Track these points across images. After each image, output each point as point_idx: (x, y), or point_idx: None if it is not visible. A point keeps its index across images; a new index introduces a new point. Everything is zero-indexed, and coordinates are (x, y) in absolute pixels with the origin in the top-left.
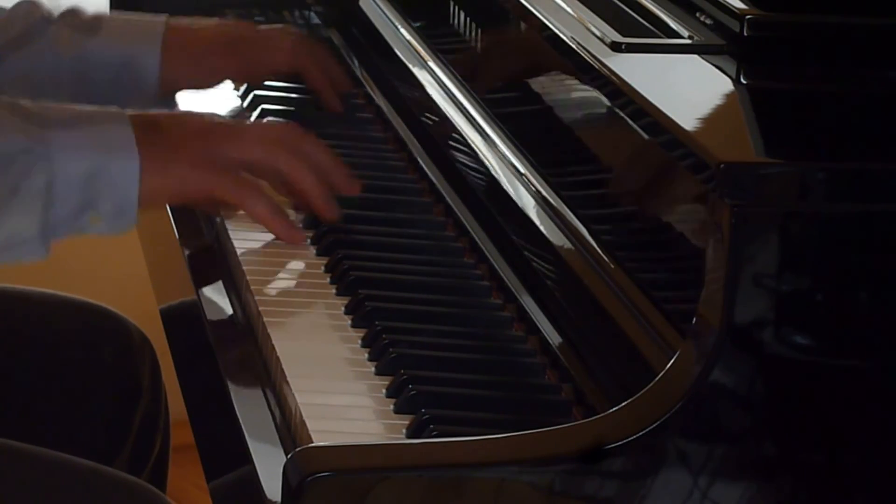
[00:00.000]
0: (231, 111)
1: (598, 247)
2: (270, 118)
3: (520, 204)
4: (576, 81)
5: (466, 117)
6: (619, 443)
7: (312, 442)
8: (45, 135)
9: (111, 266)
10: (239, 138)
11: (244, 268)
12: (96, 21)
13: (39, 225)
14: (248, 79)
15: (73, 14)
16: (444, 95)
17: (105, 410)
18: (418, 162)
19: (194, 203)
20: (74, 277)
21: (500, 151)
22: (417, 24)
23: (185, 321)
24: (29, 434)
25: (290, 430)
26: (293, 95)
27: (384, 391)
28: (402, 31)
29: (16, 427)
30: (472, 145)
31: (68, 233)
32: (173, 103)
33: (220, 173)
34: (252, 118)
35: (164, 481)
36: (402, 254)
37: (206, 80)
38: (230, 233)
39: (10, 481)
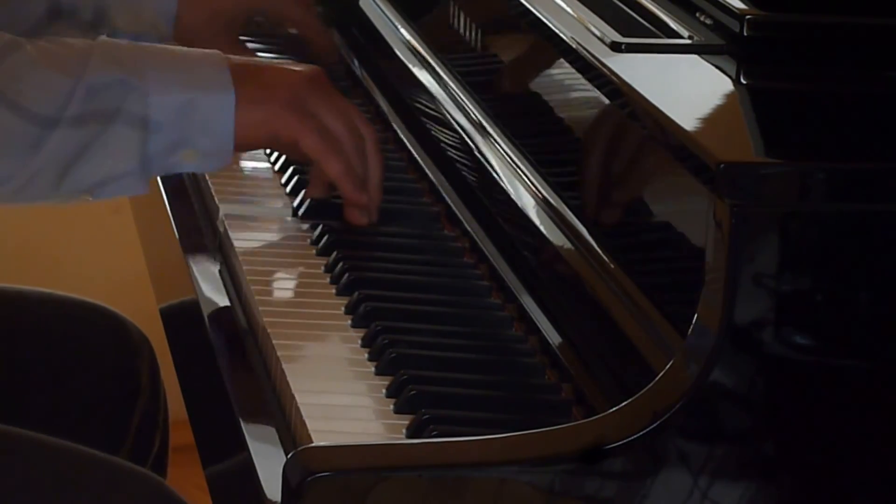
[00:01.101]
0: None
1: (598, 247)
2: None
3: (520, 204)
4: (576, 81)
5: (466, 117)
6: (619, 443)
7: (312, 442)
8: (140, 69)
9: (111, 266)
10: (329, 100)
11: (244, 268)
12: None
13: (138, 158)
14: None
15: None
16: (444, 95)
17: (104, 409)
18: (418, 162)
19: (281, 147)
20: (74, 277)
21: (500, 151)
22: (417, 24)
23: (185, 321)
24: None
25: (290, 430)
26: None
27: (384, 391)
28: (402, 31)
29: (15, 425)
30: (472, 145)
31: (165, 168)
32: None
33: (309, 121)
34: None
35: (164, 479)
36: (402, 254)
37: (217, 36)
38: (230, 233)
39: (15, 467)
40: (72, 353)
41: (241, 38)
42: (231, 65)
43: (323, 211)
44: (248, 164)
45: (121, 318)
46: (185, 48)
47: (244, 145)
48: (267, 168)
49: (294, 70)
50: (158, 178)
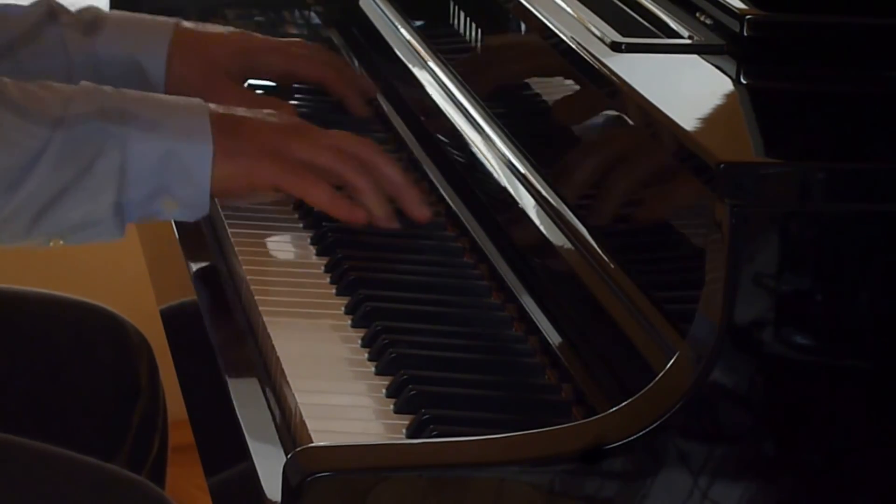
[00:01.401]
0: None
1: (598, 247)
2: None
3: (520, 204)
4: (576, 81)
5: (466, 117)
6: (619, 443)
7: (312, 442)
8: (121, 116)
9: (111, 266)
10: (312, 141)
11: (244, 268)
12: (106, 20)
13: (114, 206)
14: (256, 78)
15: (85, 12)
16: (444, 95)
17: (103, 410)
18: (418, 162)
19: (265, 192)
20: (74, 277)
21: (500, 151)
22: (417, 24)
23: (185, 321)
24: (27, 434)
25: (290, 429)
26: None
27: (384, 391)
28: (402, 31)
29: (14, 427)
30: (472, 145)
31: (142, 216)
32: None
33: (284, 165)
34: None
35: (163, 481)
36: (402, 254)
37: (212, 83)
38: (230, 233)
39: (10, 476)
40: (71, 354)
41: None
42: (211, 114)
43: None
44: None
45: (120, 320)
46: (167, 96)
47: (222, 194)
48: None
49: (274, 122)
50: None
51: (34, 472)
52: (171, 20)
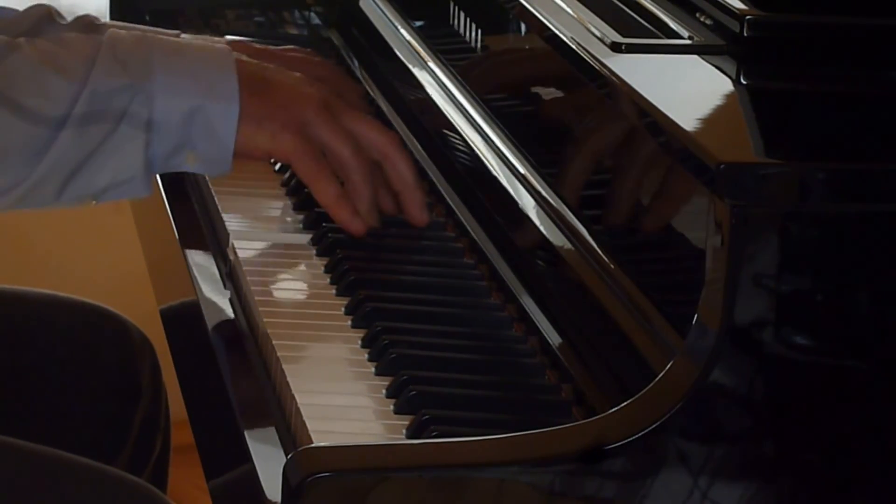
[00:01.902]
0: None
1: (598, 247)
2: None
3: (520, 204)
4: (576, 82)
5: (466, 117)
6: (619, 443)
7: (312, 442)
8: (146, 72)
9: (111, 266)
10: (337, 123)
11: (244, 268)
12: (105, 28)
13: (141, 162)
14: None
15: (83, 19)
16: (444, 95)
17: (105, 411)
18: (418, 162)
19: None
20: (74, 278)
21: (500, 151)
22: (417, 24)
23: (185, 321)
24: (29, 434)
25: (290, 430)
26: None
27: (384, 391)
28: (402, 31)
29: (16, 427)
30: (472, 145)
31: (166, 168)
32: None
33: (306, 145)
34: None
35: (165, 482)
36: (402, 254)
37: None
38: (230, 233)
39: (10, 479)
40: (73, 354)
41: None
42: (240, 71)
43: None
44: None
45: (122, 320)
46: (193, 41)
47: (244, 155)
48: (267, 168)
49: (304, 91)
50: (158, 177)
51: (34, 475)
52: (172, 32)
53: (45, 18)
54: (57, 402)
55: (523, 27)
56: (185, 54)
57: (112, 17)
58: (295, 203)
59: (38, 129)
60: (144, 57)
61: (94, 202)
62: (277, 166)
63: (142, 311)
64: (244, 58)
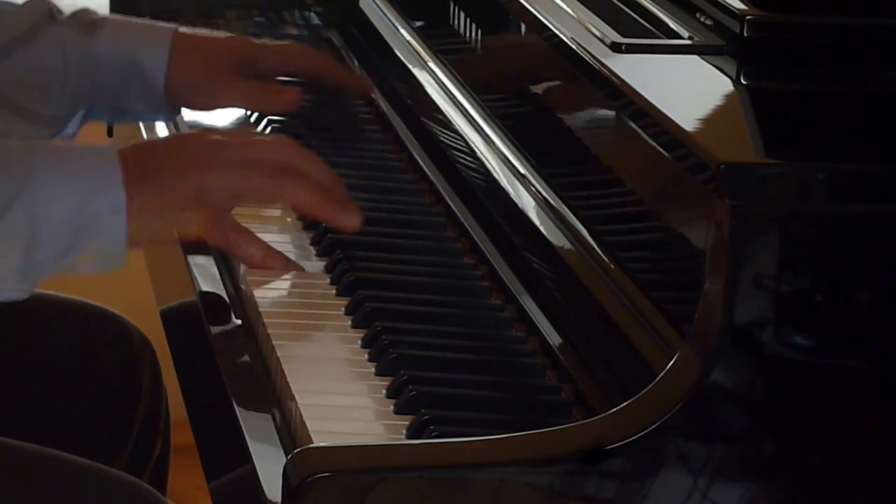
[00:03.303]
0: (236, 122)
1: (598, 247)
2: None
3: (520, 204)
4: (576, 82)
5: (466, 117)
6: (620, 443)
7: (312, 442)
8: (27, 173)
9: None
10: (237, 168)
11: (244, 268)
12: (105, 22)
13: (20, 265)
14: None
15: (82, 14)
16: (444, 95)
17: (105, 411)
18: (418, 162)
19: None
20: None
21: (500, 151)
22: (417, 24)
23: (185, 322)
24: (29, 435)
25: (290, 430)
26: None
27: (384, 392)
28: (402, 31)
29: (16, 428)
30: (472, 145)
31: (55, 271)
32: (177, 112)
33: (212, 216)
34: (256, 130)
35: (165, 482)
36: (402, 254)
37: (214, 79)
38: None
39: (9, 479)
40: (73, 355)
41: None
42: (125, 159)
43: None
44: None
45: (122, 320)
46: (79, 146)
47: (141, 247)
48: None
49: (187, 150)
50: None
51: (33, 476)
52: (171, 25)
53: (46, 16)
54: (57, 402)
55: (523, 27)
56: (67, 155)
57: None
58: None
59: None
60: (25, 159)
61: None
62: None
63: (142, 311)
64: (125, 149)
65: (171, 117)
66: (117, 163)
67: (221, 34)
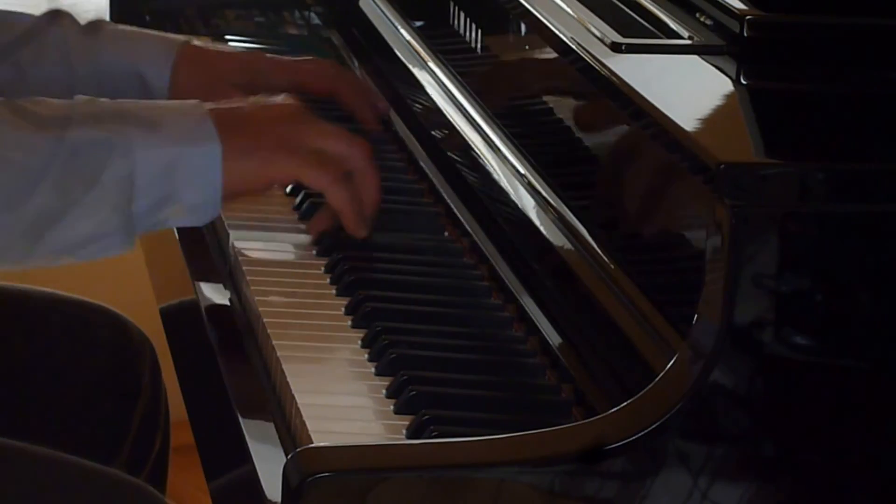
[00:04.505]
0: None
1: (598, 247)
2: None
3: (520, 204)
4: (576, 82)
5: (466, 117)
6: (619, 443)
7: (312, 442)
8: (122, 128)
9: (111, 266)
10: (318, 128)
11: (244, 268)
12: (110, 28)
13: (123, 217)
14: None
15: (94, 24)
16: (444, 95)
17: (104, 410)
18: (418, 162)
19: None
20: (74, 277)
21: (500, 152)
22: (417, 25)
23: (185, 321)
24: (28, 433)
25: (289, 430)
26: None
27: (384, 392)
28: (402, 31)
29: (15, 426)
30: (472, 145)
31: (152, 225)
32: None
33: (306, 157)
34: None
35: (164, 481)
36: (402, 254)
37: (217, 97)
38: (230, 233)
39: (7, 480)
40: (73, 353)
41: (235, 36)
42: (213, 115)
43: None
44: None
45: (122, 319)
46: (163, 102)
47: (236, 195)
48: None
49: (277, 106)
50: None
51: (30, 477)
52: (181, 37)
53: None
54: (56, 401)
55: (523, 27)
56: (157, 108)
57: (112, 18)
58: (295, 203)
59: (13, 180)
60: (118, 114)
61: (71, 258)
62: None
63: (142, 310)
64: (211, 104)
65: None
66: (207, 114)
67: (232, 49)
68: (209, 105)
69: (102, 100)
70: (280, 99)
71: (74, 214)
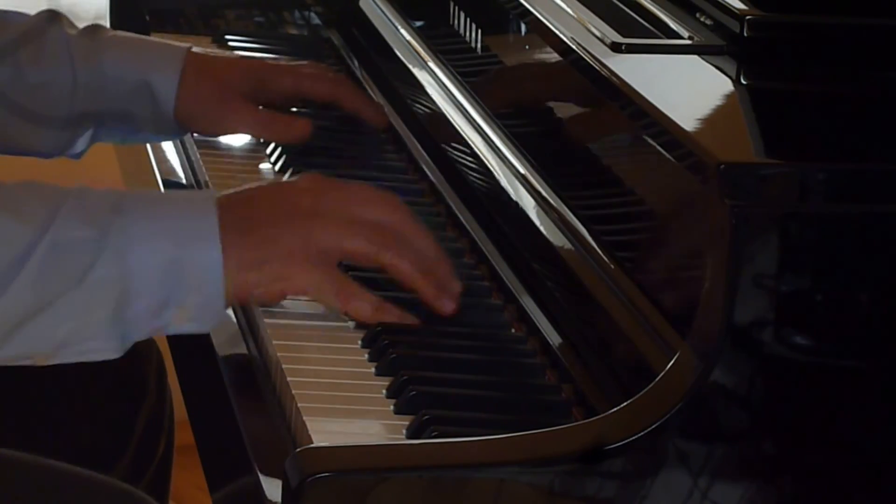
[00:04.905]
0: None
1: (598, 247)
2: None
3: (520, 204)
4: (576, 82)
5: (466, 117)
6: (619, 443)
7: (312, 443)
8: (117, 223)
9: None
10: (340, 224)
11: None
12: (111, 34)
13: (111, 322)
14: (267, 104)
15: (93, 29)
16: (444, 96)
17: (109, 411)
18: (418, 162)
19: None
20: None
21: (500, 151)
22: (417, 25)
23: None
24: (32, 436)
25: (290, 430)
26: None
27: (384, 392)
28: (402, 31)
29: (19, 429)
30: (472, 145)
31: (151, 330)
32: (185, 132)
33: (317, 272)
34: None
35: (167, 483)
36: None
37: (226, 104)
38: None
39: (5, 490)
40: None
41: (235, 36)
42: (223, 207)
43: None
44: (249, 165)
45: None
46: (171, 193)
47: (241, 303)
48: (268, 169)
49: (299, 196)
50: (157, 175)
51: (28, 486)
52: (184, 45)
53: (49, 19)
54: (60, 403)
55: (523, 27)
56: (160, 202)
57: (112, 18)
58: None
59: None
60: (116, 208)
61: (47, 360)
62: (278, 166)
63: None
64: (222, 197)
65: (181, 137)
66: (214, 212)
67: (233, 56)
68: (220, 195)
69: (100, 190)
70: (298, 179)
71: (51, 315)
